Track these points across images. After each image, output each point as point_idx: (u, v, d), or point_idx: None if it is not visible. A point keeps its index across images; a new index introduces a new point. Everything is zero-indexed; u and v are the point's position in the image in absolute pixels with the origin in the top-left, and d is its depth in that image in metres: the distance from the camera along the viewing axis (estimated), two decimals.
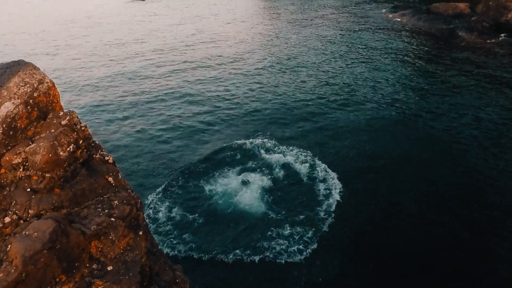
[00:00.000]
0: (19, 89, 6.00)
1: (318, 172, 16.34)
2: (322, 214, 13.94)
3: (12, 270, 4.72)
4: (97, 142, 6.93)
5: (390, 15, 50.13)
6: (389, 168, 16.58)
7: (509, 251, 11.89)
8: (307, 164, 16.81)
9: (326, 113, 22.29)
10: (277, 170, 16.58)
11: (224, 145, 18.93)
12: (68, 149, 5.92)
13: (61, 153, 5.79)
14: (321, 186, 15.44)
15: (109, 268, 5.67)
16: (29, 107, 6.05)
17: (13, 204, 5.53)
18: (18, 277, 4.69)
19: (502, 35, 36.51)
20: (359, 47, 36.29)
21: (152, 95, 26.45)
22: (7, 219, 5.40)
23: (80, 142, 6.25)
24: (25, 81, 6.13)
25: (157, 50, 39.14)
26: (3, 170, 5.71)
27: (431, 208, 14.04)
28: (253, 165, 17.03)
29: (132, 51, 39.27)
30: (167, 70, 32.29)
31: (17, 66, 6.46)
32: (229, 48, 38.74)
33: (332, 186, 15.40)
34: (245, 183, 15.43)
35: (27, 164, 5.70)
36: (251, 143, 18.97)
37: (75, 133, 6.15)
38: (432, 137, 19.04)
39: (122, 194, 6.43)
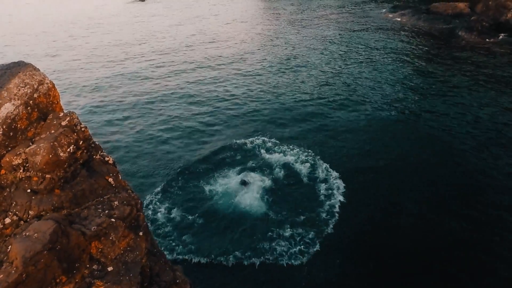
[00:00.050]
0: (19, 90, 6.00)
1: (319, 172, 16.32)
2: (322, 214, 13.90)
3: (13, 271, 4.73)
4: (97, 142, 6.94)
5: (390, 15, 50.14)
6: (389, 168, 16.57)
7: (509, 251, 11.89)
8: (308, 164, 16.80)
9: (326, 113, 22.30)
10: (277, 170, 16.57)
11: (224, 145, 18.93)
12: (68, 150, 5.93)
13: (61, 154, 5.79)
14: (322, 186, 15.41)
15: (110, 268, 5.67)
16: (29, 108, 6.06)
17: (13, 205, 5.54)
18: (18, 278, 4.69)
19: (501, 34, 36.52)
20: (359, 47, 36.29)
21: (152, 95, 26.46)
22: (7, 220, 5.41)
23: (80, 143, 6.26)
24: (25, 82, 6.13)
25: (157, 51, 39.16)
26: (3, 171, 5.72)
27: (431, 208, 14.03)
28: (254, 165, 17.01)
29: (132, 52, 39.29)
30: (167, 70, 32.30)
31: (17, 67, 6.47)
32: (229, 49, 38.75)
33: (333, 186, 15.36)
34: (245, 183, 15.39)
35: (27, 165, 5.70)
36: (251, 143, 18.97)
37: (75, 134, 6.15)
38: (432, 137, 19.04)
39: (122, 195, 6.43)
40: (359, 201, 14.53)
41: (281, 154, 17.75)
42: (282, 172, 16.44)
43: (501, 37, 36.29)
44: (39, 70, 6.56)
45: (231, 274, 11.66)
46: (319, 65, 31.73)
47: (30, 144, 5.85)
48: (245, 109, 23.39)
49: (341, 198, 14.67)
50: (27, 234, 5.07)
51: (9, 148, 5.80)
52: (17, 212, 5.48)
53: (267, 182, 15.70)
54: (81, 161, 6.26)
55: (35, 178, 5.64)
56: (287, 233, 13.04)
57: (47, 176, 5.63)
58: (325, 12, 56.99)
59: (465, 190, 14.95)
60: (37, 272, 4.87)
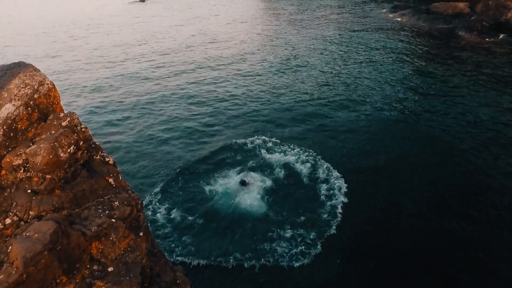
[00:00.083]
0: (19, 91, 6.02)
1: (319, 172, 16.30)
2: (323, 214, 13.86)
3: (13, 272, 4.74)
4: (97, 143, 6.95)
5: (390, 15, 50.16)
6: (389, 168, 16.58)
7: (509, 251, 11.89)
8: (308, 164, 16.79)
9: (326, 113, 22.30)
10: (278, 170, 16.55)
11: (224, 145, 18.93)
12: (69, 150, 5.94)
13: (62, 155, 5.80)
14: (322, 186, 15.39)
15: (110, 269, 5.68)
16: (29, 108, 6.07)
17: (13, 205, 5.55)
18: (19, 278, 4.70)
19: (501, 34, 36.52)
20: (359, 47, 36.30)
21: (152, 96, 26.48)
22: (7, 221, 5.42)
23: (81, 144, 6.27)
24: (25, 83, 6.15)
25: (157, 51, 39.19)
26: (3, 172, 5.73)
27: (431, 208, 14.04)
28: (254, 165, 17.00)
29: (132, 52, 39.32)
30: (167, 71, 32.32)
31: (18, 67, 6.48)
32: (229, 49, 38.77)
33: (334, 186, 15.33)
34: (244, 183, 15.35)
35: (27, 165, 5.71)
36: (251, 142, 18.97)
37: (75, 134, 6.16)
38: (432, 137, 19.05)
39: (123, 195, 6.44)
40: (359, 201, 14.53)
41: (282, 154, 17.74)
42: (282, 172, 16.43)
43: (501, 37, 36.30)
44: (40, 71, 6.57)
45: (231, 275, 11.61)
46: (319, 65, 31.74)
47: (31, 144, 5.86)
48: (245, 109, 23.40)
49: (342, 198, 14.65)
50: (28, 234, 5.08)
51: (10, 149, 5.81)
52: (17, 213, 5.49)
53: (268, 182, 15.68)
54: (81, 162, 6.27)
55: (36, 179, 5.65)
56: (288, 234, 12.97)
57: (48, 176, 5.65)
58: (325, 12, 57.01)
59: (465, 190, 14.95)
60: (37, 273, 4.88)
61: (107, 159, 6.87)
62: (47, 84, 6.43)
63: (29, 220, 5.47)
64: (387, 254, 12.08)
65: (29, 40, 48.83)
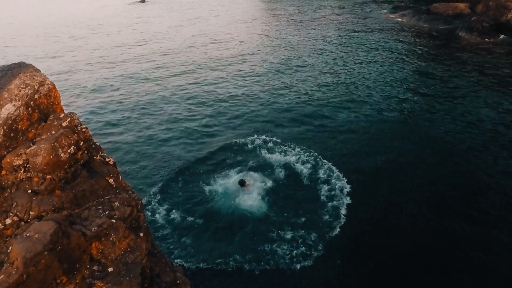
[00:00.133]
0: (20, 91, 6.03)
1: (320, 172, 16.27)
2: (323, 215, 13.82)
3: (13, 272, 4.74)
4: (97, 143, 6.95)
5: (391, 16, 50.17)
6: (389, 168, 16.58)
7: (509, 251, 11.89)
8: (309, 165, 16.77)
9: (327, 114, 22.31)
10: (278, 170, 16.53)
11: (225, 145, 18.93)
12: (69, 150, 5.95)
13: (62, 155, 5.81)
14: (323, 187, 15.35)
15: (110, 269, 5.69)
16: (30, 109, 6.08)
17: (14, 205, 5.56)
18: (19, 279, 4.71)
19: (501, 35, 36.54)
20: (359, 48, 36.32)
21: (152, 96, 26.50)
22: (8, 221, 5.43)
23: (81, 144, 6.28)
24: (26, 83, 6.16)
25: (157, 52, 39.22)
26: (4, 172, 5.74)
27: (431, 208, 14.04)
28: (254, 165, 16.99)
29: (132, 53, 39.35)
30: (167, 71, 32.34)
31: (18, 68, 6.49)
32: (229, 50, 38.79)
33: (335, 187, 15.30)
34: (243, 183, 15.29)
35: (28, 165, 5.72)
36: (252, 143, 18.97)
37: (75, 134, 6.17)
38: (432, 137, 19.05)
39: (123, 196, 6.45)
40: (359, 201, 14.53)
41: (282, 154, 17.73)
42: (283, 172, 16.40)
43: (501, 37, 36.32)
44: (40, 71, 6.58)
45: (231, 277, 11.53)
46: (319, 65, 31.76)
47: (31, 145, 5.87)
48: (245, 110, 23.41)
49: (343, 199, 14.60)
50: (28, 234, 5.08)
51: (10, 149, 5.82)
52: (17, 213, 5.50)
53: (268, 183, 15.64)
54: (81, 162, 6.28)
55: (36, 179, 5.66)
56: (288, 235, 12.87)
57: (48, 176, 5.65)
58: (325, 13, 57.03)
59: (465, 190, 14.95)
60: (37, 273, 4.89)
61: (107, 160, 6.88)
62: (48, 84, 6.44)
63: (29, 220, 5.48)
64: (387, 254, 12.08)
65: (29, 41, 48.88)
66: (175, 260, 12.10)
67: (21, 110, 5.94)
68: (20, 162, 5.72)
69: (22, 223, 5.45)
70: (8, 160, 5.70)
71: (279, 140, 19.17)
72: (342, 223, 13.43)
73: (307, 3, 67.84)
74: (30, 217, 5.50)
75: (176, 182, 16.14)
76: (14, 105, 5.88)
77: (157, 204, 14.66)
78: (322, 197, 14.80)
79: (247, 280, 11.42)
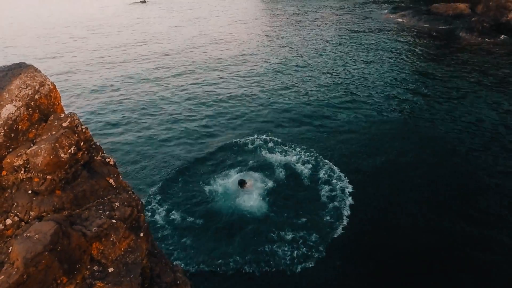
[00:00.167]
0: (20, 92, 6.03)
1: (321, 172, 16.26)
2: (324, 215, 13.81)
3: (14, 272, 4.75)
4: (98, 143, 6.96)
5: (391, 16, 50.17)
6: (389, 168, 16.59)
7: (509, 251, 11.89)
8: (309, 165, 16.77)
9: (327, 114, 22.32)
10: (279, 170, 16.52)
11: (225, 145, 18.93)
12: (69, 151, 5.95)
13: (62, 155, 5.82)
14: (323, 187, 15.36)
15: (110, 269, 5.69)
16: (30, 109, 6.08)
17: (14, 206, 5.56)
18: (19, 279, 4.72)
19: (502, 35, 36.54)
20: (359, 48, 36.32)
21: (153, 97, 26.51)
22: (8, 221, 5.43)
23: (81, 144, 6.28)
24: (26, 84, 6.16)
25: (158, 52, 39.23)
26: (4, 172, 5.74)
27: (431, 208, 14.04)
28: (255, 166, 16.98)
29: (133, 53, 39.37)
30: (168, 72, 32.36)
31: (19, 68, 6.50)
32: (229, 50, 38.80)
33: (335, 187, 15.28)
34: (243, 183, 15.27)
35: (28, 166, 5.73)
36: (252, 143, 18.97)
37: (76, 135, 6.17)
38: (432, 137, 19.06)
39: (123, 196, 6.45)
40: (359, 201, 14.54)
41: (283, 154, 17.72)
42: (283, 172, 16.39)
43: (501, 37, 36.32)
44: (40, 72, 6.58)
45: (231, 278, 11.50)
46: (320, 66, 31.76)
47: (31, 145, 5.87)
48: (245, 110, 23.42)
49: (345, 199, 14.59)
50: (28, 235, 5.09)
51: (10, 149, 5.83)
52: (18, 213, 5.51)
53: (269, 183, 15.63)
54: (82, 162, 6.28)
55: (36, 179, 5.66)
56: (289, 236, 12.84)
57: (48, 177, 5.66)
58: (325, 13, 57.05)
59: (465, 190, 14.95)
60: (38, 273, 4.89)
61: (107, 160, 6.88)
62: (48, 84, 6.45)
63: (29, 220, 5.48)
64: (387, 254, 12.09)
65: (29, 41, 48.90)
66: (175, 261, 12.06)
67: (21, 111, 5.94)
68: (21, 162, 5.72)
69: (23, 223, 5.45)
70: (9, 160, 5.70)
71: (279, 140, 19.18)
72: (343, 223, 13.43)
73: (307, 4, 67.85)
74: (31, 217, 5.50)
75: (176, 182, 16.13)
76: (15, 105, 5.88)
77: (157, 205, 14.64)
78: (323, 198, 14.77)
79: (247, 281, 11.40)
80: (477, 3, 41.67)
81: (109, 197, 6.31)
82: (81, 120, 6.59)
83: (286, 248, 12.36)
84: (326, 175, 16.07)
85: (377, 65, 30.98)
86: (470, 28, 38.08)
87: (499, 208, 13.82)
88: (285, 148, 18.41)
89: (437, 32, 40.49)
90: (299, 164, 16.87)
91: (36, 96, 6.21)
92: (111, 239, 5.84)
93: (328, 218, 13.69)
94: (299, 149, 18.17)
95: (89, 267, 5.60)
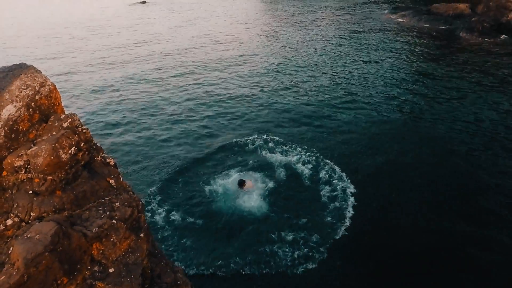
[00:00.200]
0: (21, 92, 6.04)
1: (322, 172, 16.23)
2: (325, 215, 13.76)
3: (14, 273, 4.76)
4: (98, 144, 6.97)
5: (391, 16, 50.17)
6: (389, 168, 16.59)
7: (509, 251, 11.89)
8: (310, 165, 16.76)
9: (327, 114, 22.32)
10: (279, 170, 16.51)
11: (225, 145, 18.94)
12: (70, 151, 5.96)
13: (63, 156, 5.82)
14: (323, 187, 15.32)
15: (111, 270, 5.69)
16: (30, 110, 6.10)
17: (15, 206, 5.57)
18: (20, 280, 4.72)
19: (502, 35, 36.54)
20: (360, 48, 36.33)
21: (153, 97, 26.53)
22: (9, 222, 5.44)
23: (82, 145, 6.29)
24: (27, 84, 6.18)
25: (158, 53, 39.25)
26: (5, 173, 5.75)
27: (431, 208, 14.04)
28: (255, 166, 16.98)
29: (133, 54, 39.38)
30: (168, 72, 32.37)
31: (19, 69, 6.51)
32: (230, 50, 38.82)
33: (336, 188, 15.25)
34: (242, 184, 15.25)
35: (28, 166, 5.74)
36: (252, 143, 18.97)
37: (76, 135, 6.18)
38: (432, 137, 19.06)
39: (124, 196, 6.46)
40: (359, 201, 14.54)
41: (283, 154, 17.71)
42: (284, 172, 16.38)
43: (502, 38, 36.31)
44: (41, 72, 6.60)
45: (231, 279, 11.46)
46: (320, 66, 31.77)
47: (32, 145, 5.89)
48: (246, 110, 23.43)
49: (346, 199, 14.57)
50: (29, 235, 5.10)
51: (11, 150, 5.84)
52: (18, 214, 5.52)
53: (269, 183, 15.62)
54: (82, 163, 6.29)
55: (37, 180, 5.67)
56: (290, 236, 12.80)
57: (49, 177, 5.67)
58: (325, 14, 57.05)
59: (465, 190, 14.95)
60: (38, 274, 4.90)
61: (108, 160, 6.89)
62: (48, 85, 6.46)
63: (30, 221, 5.49)
64: (387, 254, 12.09)
65: (30, 42, 48.93)
66: (175, 263, 12.06)
67: (22, 111, 5.95)
68: (21, 163, 5.73)
69: (23, 224, 5.46)
70: (9, 161, 5.72)
71: (280, 140, 19.17)
72: (344, 224, 13.42)
73: (307, 4, 67.87)
74: (31, 218, 5.51)
75: (176, 182, 16.13)
76: (15, 106, 5.90)
77: (157, 205, 14.62)
78: (323, 198, 14.74)
79: (247, 282, 11.37)
80: (477, 3, 41.67)
81: (109, 197, 6.32)
82: (81, 120, 6.60)
83: (287, 249, 12.31)
84: (327, 175, 16.05)
85: (377, 65, 30.99)
86: (470, 28, 38.08)
87: (499, 208, 13.82)
88: (285, 148, 18.40)
89: (437, 32, 40.49)
90: (300, 164, 16.86)
91: (37, 97, 6.22)
92: (112, 239, 5.84)
93: (329, 218, 13.66)
94: (300, 149, 18.16)
95: (89, 267, 5.61)
